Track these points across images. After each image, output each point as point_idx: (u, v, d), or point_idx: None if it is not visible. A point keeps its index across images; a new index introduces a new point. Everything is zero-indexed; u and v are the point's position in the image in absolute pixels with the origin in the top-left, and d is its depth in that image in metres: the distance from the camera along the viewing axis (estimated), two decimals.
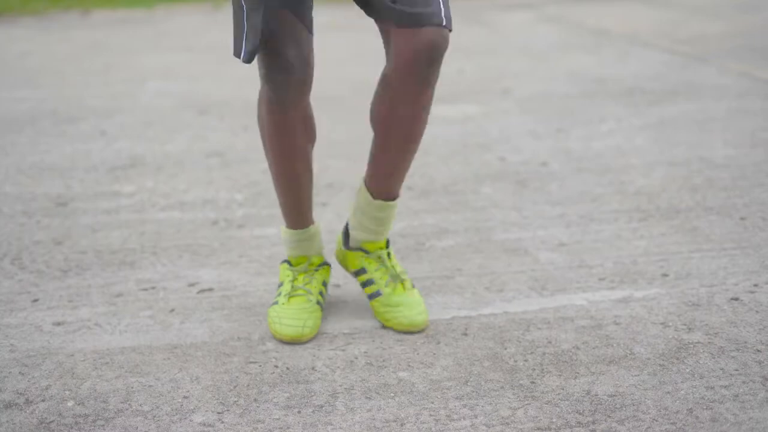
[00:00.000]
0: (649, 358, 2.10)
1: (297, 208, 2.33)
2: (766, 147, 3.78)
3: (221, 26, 7.14)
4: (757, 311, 2.32)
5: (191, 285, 2.56)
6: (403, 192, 3.33)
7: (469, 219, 3.03)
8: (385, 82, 2.11)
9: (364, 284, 2.38)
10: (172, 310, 2.40)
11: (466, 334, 2.24)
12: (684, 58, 5.68)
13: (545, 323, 2.28)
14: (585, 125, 4.10)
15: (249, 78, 5.26)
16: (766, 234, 2.85)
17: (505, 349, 2.16)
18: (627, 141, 3.93)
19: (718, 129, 4.11)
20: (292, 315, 2.26)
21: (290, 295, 2.33)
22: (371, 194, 2.29)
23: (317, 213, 3.02)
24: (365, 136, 3.95)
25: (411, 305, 2.29)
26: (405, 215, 3.09)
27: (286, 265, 2.39)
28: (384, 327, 2.29)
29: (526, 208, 3.14)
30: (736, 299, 2.40)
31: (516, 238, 2.85)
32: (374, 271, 2.38)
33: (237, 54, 2.10)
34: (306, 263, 2.38)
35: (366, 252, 2.38)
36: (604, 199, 3.21)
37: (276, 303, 2.32)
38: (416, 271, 2.63)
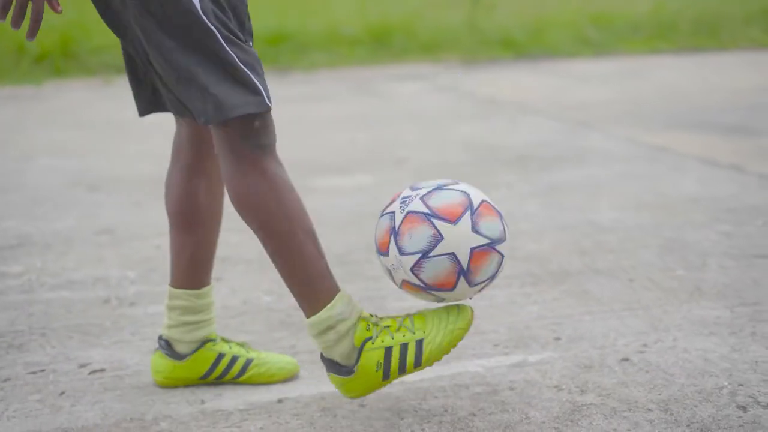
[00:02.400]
0: (544, 422, 2.12)
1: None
2: (651, 210, 3.89)
3: (112, 101, 7.10)
4: (646, 371, 2.37)
5: (82, 366, 2.50)
6: None
7: (364, 288, 3.04)
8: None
9: (228, 367, 2.37)
10: (63, 393, 2.34)
11: (363, 406, 2.23)
12: (572, 124, 5.82)
13: (441, 391, 2.29)
14: None
15: (140, 153, 5.22)
16: (653, 294, 2.91)
17: (402, 419, 2.16)
18: (518, 207, 4.00)
19: (604, 193, 4.21)
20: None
21: (410, 317, 2.15)
22: (194, 288, 2.36)
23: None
24: None
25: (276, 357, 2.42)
26: None
27: (366, 322, 2.13)
28: (279, 402, 2.27)
29: None
30: (627, 360, 2.44)
31: (410, 306, 2.87)
32: (231, 349, 2.39)
33: (255, 105, 1.97)
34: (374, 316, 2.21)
35: (212, 340, 2.38)
36: None
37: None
38: (312, 344, 2.62)
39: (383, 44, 9.48)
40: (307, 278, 2.09)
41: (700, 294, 2.90)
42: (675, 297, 2.89)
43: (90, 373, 2.46)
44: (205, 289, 2.35)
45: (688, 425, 2.08)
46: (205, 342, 2.36)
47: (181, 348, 2.35)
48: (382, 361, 2.09)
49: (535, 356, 2.49)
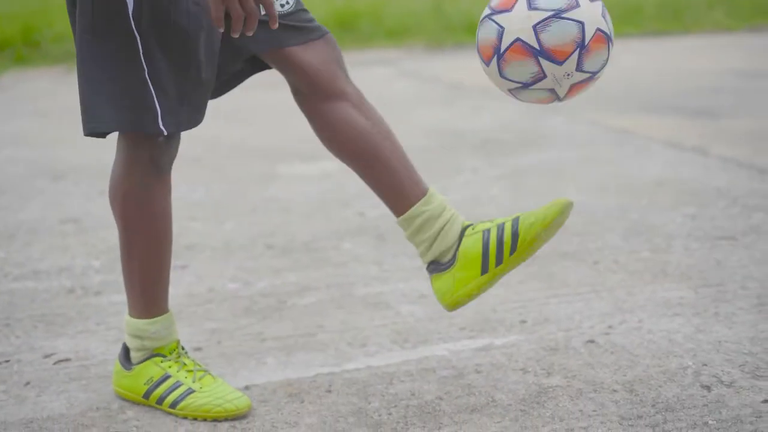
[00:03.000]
0: (510, 405, 2.13)
1: (165, 286, 2.18)
2: (616, 192, 3.91)
3: (75, 90, 7.05)
4: (612, 352, 2.39)
5: (47, 356, 2.49)
6: (264, 250, 3.32)
7: (331, 275, 3.04)
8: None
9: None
10: (28, 383, 2.33)
11: (330, 391, 2.24)
12: (536, 108, 5.83)
13: (408, 375, 2.30)
14: (443, 177, 4.17)
15: (105, 142, 5.18)
16: (618, 277, 2.93)
17: (369, 403, 2.17)
18: (483, 191, 4.01)
19: (570, 177, 4.23)
20: (222, 391, 2.13)
21: (199, 379, 2.15)
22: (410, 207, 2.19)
23: (177, 276, 2.98)
24: (224, 196, 3.94)
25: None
26: (266, 274, 3.08)
27: (158, 360, 2.16)
28: (246, 388, 2.27)
29: (386, 261, 3.17)
30: (592, 342, 2.46)
31: (377, 292, 2.87)
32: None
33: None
34: (178, 347, 2.20)
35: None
36: None
37: (188, 395, 2.13)
38: (278, 329, 2.62)
39: (349, 30, 9.45)
40: (132, 283, 2.19)
41: (665, 275, 2.93)
42: (640, 279, 2.91)
43: (55, 363, 2.44)
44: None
45: (653, 405, 2.10)
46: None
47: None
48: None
49: (501, 339, 2.50)
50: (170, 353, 2.18)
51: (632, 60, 8.01)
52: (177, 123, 2.00)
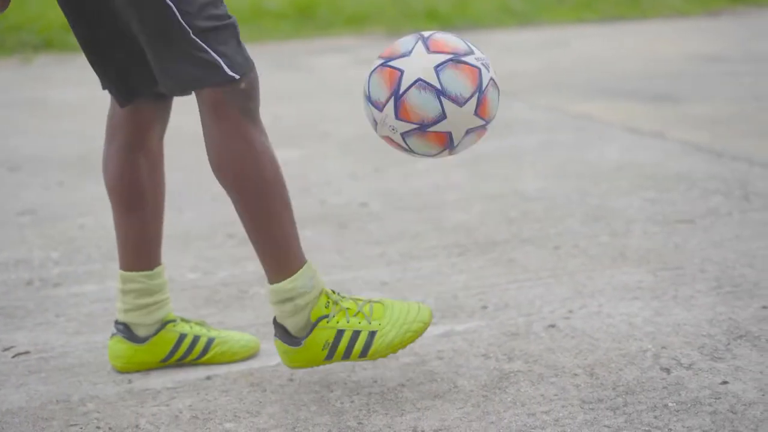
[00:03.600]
0: (472, 390, 2.14)
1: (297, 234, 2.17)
2: (575, 178, 3.93)
3: (31, 81, 6.97)
4: (572, 336, 2.40)
5: (6, 349, 2.46)
6: (224, 240, 3.30)
7: None
8: None
9: (191, 347, 2.33)
10: None
11: (292, 380, 2.23)
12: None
13: (370, 363, 2.30)
14: (402, 164, 4.17)
15: (62, 132, 5.14)
16: (578, 261, 2.95)
17: (332, 392, 2.16)
18: (444, 178, 4.01)
19: (529, 162, 4.24)
20: (399, 313, 2.14)
21: (371, 314, 2.14)
22: (146, 269, 2.31)
23: None
24: (183, 185, 3.91)
25: None
26: (226, 263, 3.06)
27: (323, 324, 2.12)
28: (207, 378, 2.26)
29: (347, 249, 3.16)
30: (553, 326, 2.47)
31: (339, 280, 2.87)
32: (191, 329, 2.36)
33: (239, 69, 2.00)
34: (329, 296, 2.15)
35: (172, 321, 2.35)
36: (424, 236, 3.26)
37: (373, 338, 2.11)
38: (240, 319, 2.61)
39: (308, 18, 9.42)
40: (276, 245, 2.10)
41: (624, 259, 2.94)
42: (599, 263, 2.92)
43: (14, 356, 2.42)
44: (158, 269, 2.32)
45: (614, 388, 2.12)
46: (165, 323, 2.32)
47: (141, 331, 2.31)
48: (331, 341, 2.10)
49: (463, 325, 2.50)
50: (326, 308, 2.12)
51: (591, 46, 8.05)
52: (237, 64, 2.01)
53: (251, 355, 2.36)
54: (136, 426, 2.05)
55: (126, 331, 2.31)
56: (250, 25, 9.01)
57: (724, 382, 2.13)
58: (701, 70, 6.61)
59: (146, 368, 2.31)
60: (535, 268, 2.91)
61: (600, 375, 2.18)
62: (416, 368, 2.26)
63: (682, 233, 3.17)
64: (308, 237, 3.30)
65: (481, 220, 3.41)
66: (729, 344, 2.32)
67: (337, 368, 2.27)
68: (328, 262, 3.03)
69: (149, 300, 2.30)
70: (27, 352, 2.44)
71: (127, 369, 2.31)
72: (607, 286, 2.73)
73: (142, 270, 2.29)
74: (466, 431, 1.97)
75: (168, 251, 3.18)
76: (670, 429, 1.94)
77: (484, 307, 2.62)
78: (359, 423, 2.02)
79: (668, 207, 3.47)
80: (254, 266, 3.02)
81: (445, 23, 9.29)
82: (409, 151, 2.08)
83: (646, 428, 1.95)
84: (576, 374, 2.19)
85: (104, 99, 2.30)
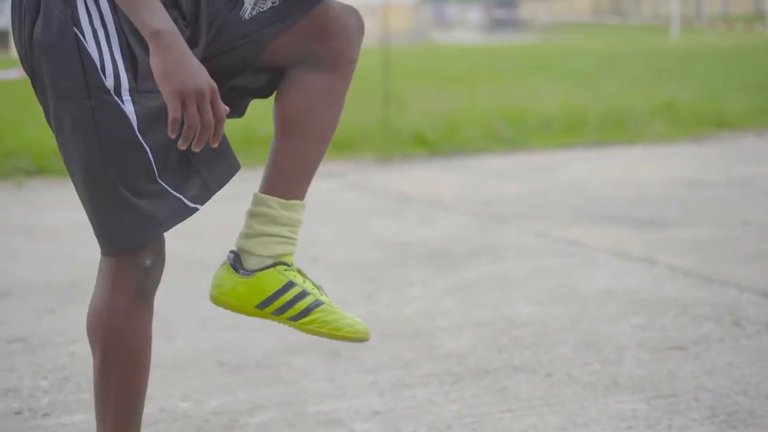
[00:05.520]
0: None
1: (140, 418, 2.11)
2: (566, 303, 3.94)
3: (23, 205, 7.01)
4: None
5: None
6: (214, 368, 3.29)
7: (282, 393, 3.01)
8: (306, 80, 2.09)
9: (294, 300, 2.08)
10: None
11: None
12: (485, 219, 5.89)
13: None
14: (393, 290, 4.18)
15: (53, 257, 5.14)
16: (571, 390, 2.94)
17: None
18: (435, 304, 4.02)
19: (519, 288, 4.26)
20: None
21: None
22: (283, 197, 2.12)
23: None
24: (174, 310, 3.90)
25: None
26: (216, 391, 3.04)
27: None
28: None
29: (339, 377, 3.15)
30: None
31: (330, 409, 2.85)
32: (303, 282, 2.12)
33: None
34: None
35: (287, 264, 2.11)
36: (416, 363, 3.25)
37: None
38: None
39: None
40: None
41: (617, 387, 2.94)
42: (592, 391, 2.91)
43: None
44: (295, 202, 2.14)
45: None
46: (278, 263, 2.10)
47: (250, 262, 2.11)
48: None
49: None
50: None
51: (578, 171, 8.15)
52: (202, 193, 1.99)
53: (355, 339, 2.11)
54: None
55: (236, 259, 2.13)
56: (243, 151, 9.12)
57: None
58: (687, 195, 6.69)
59: (239, 311, 2.13)
60: (528, 396, 2.90)
61: None
62: None
63: (674, 360, 3.17)
64: (299, 365, 3.29)
65: (472, 347, 3.41)
66: None
67: None
68: (319, 391, 3.01)
69: (273, 230, 2.11)
70: None
71: (221, 302, 2.13)
72: (601, 416, 2.71)
73: (279, 197, 2.13)
74: None
75: (159, 379, 3.16)
76: None
77: None
78: None
79: (659, 333, 3.47)
80: (245, 394, 3.00)
81: (434, 149, 9.42)
82: None
83: None
84: None
85: None
